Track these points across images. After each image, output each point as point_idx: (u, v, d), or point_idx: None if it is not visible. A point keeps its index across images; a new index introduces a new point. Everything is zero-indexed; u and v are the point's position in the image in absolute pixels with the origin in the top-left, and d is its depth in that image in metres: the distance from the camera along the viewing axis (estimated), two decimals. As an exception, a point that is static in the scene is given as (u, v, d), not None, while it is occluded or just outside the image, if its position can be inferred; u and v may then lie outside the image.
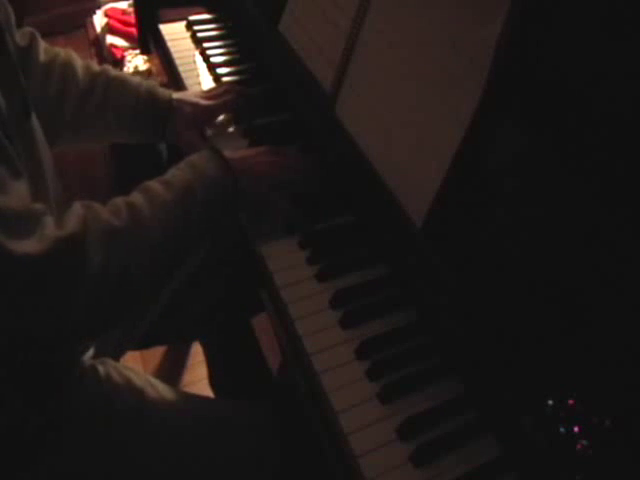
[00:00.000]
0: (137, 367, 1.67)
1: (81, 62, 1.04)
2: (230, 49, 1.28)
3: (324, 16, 1.04)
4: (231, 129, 1.10)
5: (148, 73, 1.96)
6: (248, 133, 1.08)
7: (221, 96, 1.09)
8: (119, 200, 0.77)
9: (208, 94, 1.10)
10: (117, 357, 1.07)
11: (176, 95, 1.07)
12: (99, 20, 2.24)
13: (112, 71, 1.06)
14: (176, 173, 0.83)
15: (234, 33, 1.31)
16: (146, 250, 0.75)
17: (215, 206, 0.83)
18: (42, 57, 1.00)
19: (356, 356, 0.79)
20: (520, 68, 0.75)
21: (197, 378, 1.68)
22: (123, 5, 2.25)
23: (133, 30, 2.02)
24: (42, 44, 1.02)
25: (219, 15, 1.36)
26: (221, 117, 1.10)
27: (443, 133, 0.79)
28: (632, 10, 0.68)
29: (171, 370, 1.73)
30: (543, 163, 0.73)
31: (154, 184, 0.80)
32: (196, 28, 1.31)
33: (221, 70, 1.22)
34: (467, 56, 0.77)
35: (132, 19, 1.85)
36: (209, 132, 1.10)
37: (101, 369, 0.90)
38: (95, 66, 1.06)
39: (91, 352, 0.93)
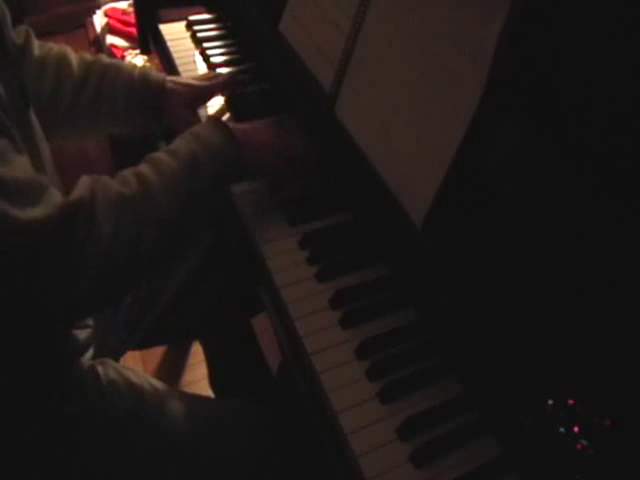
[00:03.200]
0: (137, 367, 1.67)
1: (75, 54, 1.05)
2: (230, 49, 1.28)
3: (324, 16, 1.04)
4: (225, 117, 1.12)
5: (148, 73, 1.96)
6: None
7: (213, 79, 1.12)
8: (127, 171, 0.78)
9: (200, 77, 1.13)
10: (117, 357, 1.07)
11: (170, 78, 1.09)
12: (99, 20, 2.24)
13: (106, 59, 1.08)
14: (181, 143, 0.84)
15: (234, 33, 1.31)
16: (155, 218, 0.76)
17: (220, 174, 0.85)
18: (37, 52, 1.01)
19: (356, 356, 0.79)
20: (520, 67, 0.75)
21: (197, 378, 1.68)
22: (123, 5, 2.25)
23: (133, 30, 2.02)
24: (36, 41, 1.02)
25: (219, 15, 1.36)
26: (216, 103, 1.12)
27: (443, 133, 0.79)
28: (632, 9, 0.68)
29: (171, 370, 1.73)
30: (543, 162, 0.73)
31: (160, 154, 0.81)
32: (196, 28, 1.31)
33: (221, 70, 1.21)
34: (467, 55, 0.77)
35: (132, 19, 1.85)
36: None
37: (100, 369, 0.90)
38: (89, 56, 1.07)
39: (91, 352, 0.93)
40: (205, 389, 1.49)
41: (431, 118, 0.82)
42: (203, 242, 1.15)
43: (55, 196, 0.69)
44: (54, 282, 0.68)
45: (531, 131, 0.75)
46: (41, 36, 1.03)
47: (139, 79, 1.05)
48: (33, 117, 0.84)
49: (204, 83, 1.10)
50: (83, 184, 0.72)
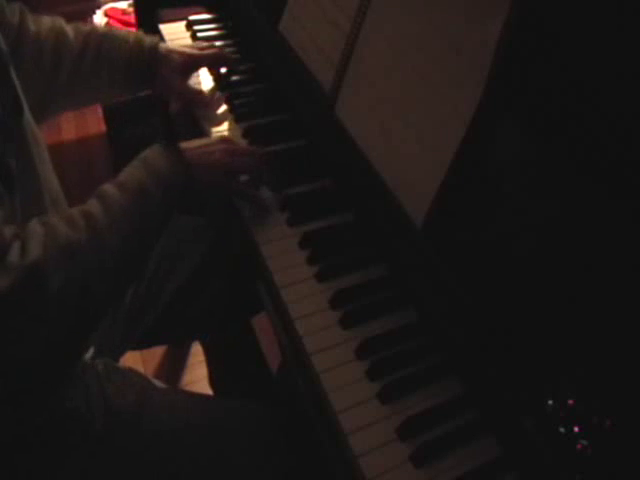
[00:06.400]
0: (137, 367, 1.67)
1: (70, 25, 1.06)
2: (230, 49, 1.28)
3: (324, 16, 1.04)
4: (222, 110, 1.15)
5: (148, 73, 1.96)
6: (248, 133, 1.09)
7: (205, 49, 1.16)
8: (75, 211, 0.75)
9: (193, 47, 1.17)
10: (117, 357, 1.07)
11: (163, 44, 1.12)
12: (99, 20, 2.24)
13: (100, 28, 1.10)
14: (129, 172, 0.82)
15: (234, 33, 1.31)
16: (106, 257, 0.74)
17: (171, 200, 0.83)
18: (32, 27, 1.00)
19: (356, 356, 0.79)
20: (520, 68, 0.75)
21: (197, 378, 1.68)
22: (123, 5, 2.25)
23: (133, 30, 2.02)
24: (30, 16, 1.02)
25: (219, 15, 1.37)
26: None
27: (443, 133, 0.79)
28: (632, 9, 0.68)
29: (171, 370, 1.73)
30: (543, 163, 0.73)
31: (109, 188, 0.79)
32: (196, 28, 1.31)
33: (221, 70, 1.21)
34: (467, 56, 0.77)
35: (132, 19, 1.86)
36: (207, 127, 1.10)
37: (100, 369, 0.90)
38: (83, 27, 1.07)
39: (91, 352, 0.93)
40: (205, 389, 1.48)
41: (431, 118, 0.82)
42: (203, 243, 1.15)
43: (12, 256, 0.66)
44: (17, 340, 0.67)
45: (531, 131, 0.75)
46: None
47: (134, 44, 1.08)
48: (28, 121, 0.82)
49: (195, 52, 1.13)
50: (37, 237, 0.69)
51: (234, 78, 1.21)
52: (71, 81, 1.04)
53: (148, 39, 1.10)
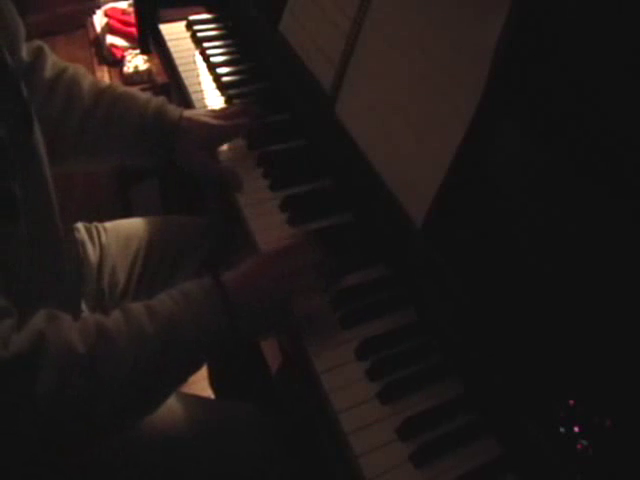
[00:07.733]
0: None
1: (90, 78, 1.01)
2: (230, 49, 1.28)
3: (324, 16, 1.04)
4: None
5: (148, 73, 1.96)
6: (248, 133, 1.08)
7: (233, 117, 1.04)
8: (91, 319, 0.68)
9: (219, 114, 1.05)
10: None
11: (187, 114, 1.02)
12: (99, 20, 2.24)
13: (120, 87, 1.03)
14: (166, 300, 0.72)
15: (234, 33, 1.31)
16: (112, 383, 0.65)
17: (205, 345, 0.73)
18: (48, 73, 0.97)
19: (356, 356, 0.79)
20: (520, 68, 0.75)
21: (197, 378, 1.67)
22: (123, 5, 2.25)
23: (133, 30, 2.02)
24: (50, 59, 0.99)
25: (219, 15, 1.37)
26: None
27: (443, 133, 0.79)
28: (632, 9, 0.69)
29: (171, 370, 1.73)
30: (543, 163, 0.73)
31: (138, 308, 0.70)
32: (196, 28, 1.31)
33: (221, 70, 1.22)
34: (467, 56, 0.77)
35: (132, 19, 1.85)
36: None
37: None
38: (103, 83, 1.03)
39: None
40: (205, 389, 1.49)
41: (431, 118, 0.82)
42: (204, 244, 1.15)
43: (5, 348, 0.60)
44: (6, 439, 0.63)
45: (531, 132, 0.75)
46: (41, 36, 1.02)
47: (153, 116, 0.99)
48: (38, 138, 0.77)
49: (221, 123, 1.02)
50: (32, 330, 0.62)
51: (234, 78, 1.21)
52: (79, 136, 0.98)
53: (170, 112, 1.00)
